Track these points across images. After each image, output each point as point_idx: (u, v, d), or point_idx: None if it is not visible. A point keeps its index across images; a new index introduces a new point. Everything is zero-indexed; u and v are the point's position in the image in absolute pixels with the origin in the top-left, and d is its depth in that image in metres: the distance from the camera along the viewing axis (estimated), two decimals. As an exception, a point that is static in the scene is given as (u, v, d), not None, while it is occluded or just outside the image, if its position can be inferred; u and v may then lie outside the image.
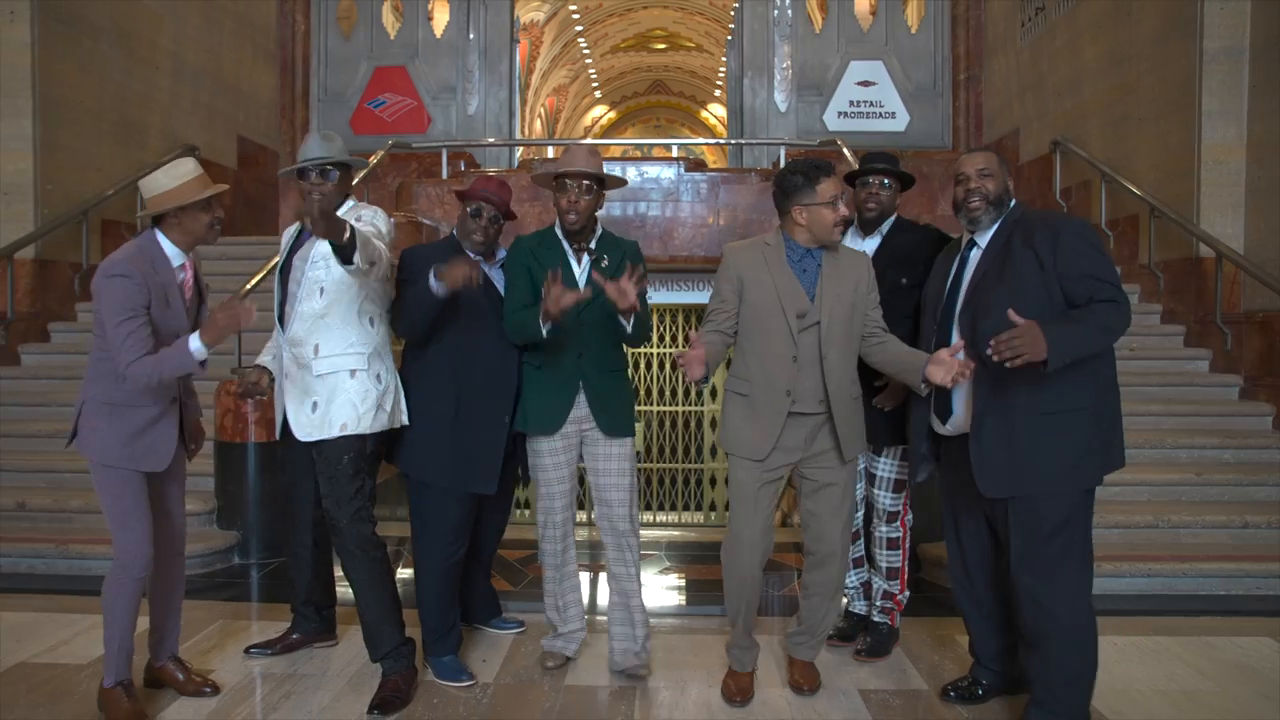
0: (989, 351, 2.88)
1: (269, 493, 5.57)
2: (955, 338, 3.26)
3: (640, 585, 3.86)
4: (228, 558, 5.55)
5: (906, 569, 4.04)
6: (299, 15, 11.75)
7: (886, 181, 3.97)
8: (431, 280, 3.40)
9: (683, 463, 9.32)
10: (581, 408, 3.71)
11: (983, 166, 3.31)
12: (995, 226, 3.29)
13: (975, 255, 3.32)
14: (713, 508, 9.26)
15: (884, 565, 4.02)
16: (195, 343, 3.13)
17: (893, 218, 4.01)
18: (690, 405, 9.24)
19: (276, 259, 3.81)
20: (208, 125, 10.01)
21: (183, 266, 3.37)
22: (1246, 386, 6.61)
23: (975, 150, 3.52)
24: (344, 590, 3.79)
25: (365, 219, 3.51)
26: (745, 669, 3.71)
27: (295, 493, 3.90)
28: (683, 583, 5.39)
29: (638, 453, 3.84)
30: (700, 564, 5.71)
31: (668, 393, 9.41)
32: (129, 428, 3.28)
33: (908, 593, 4.07)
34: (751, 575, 3.53)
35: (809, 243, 3.46)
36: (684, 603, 5.05)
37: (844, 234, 3.75)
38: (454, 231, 3.86)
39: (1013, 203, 3.34)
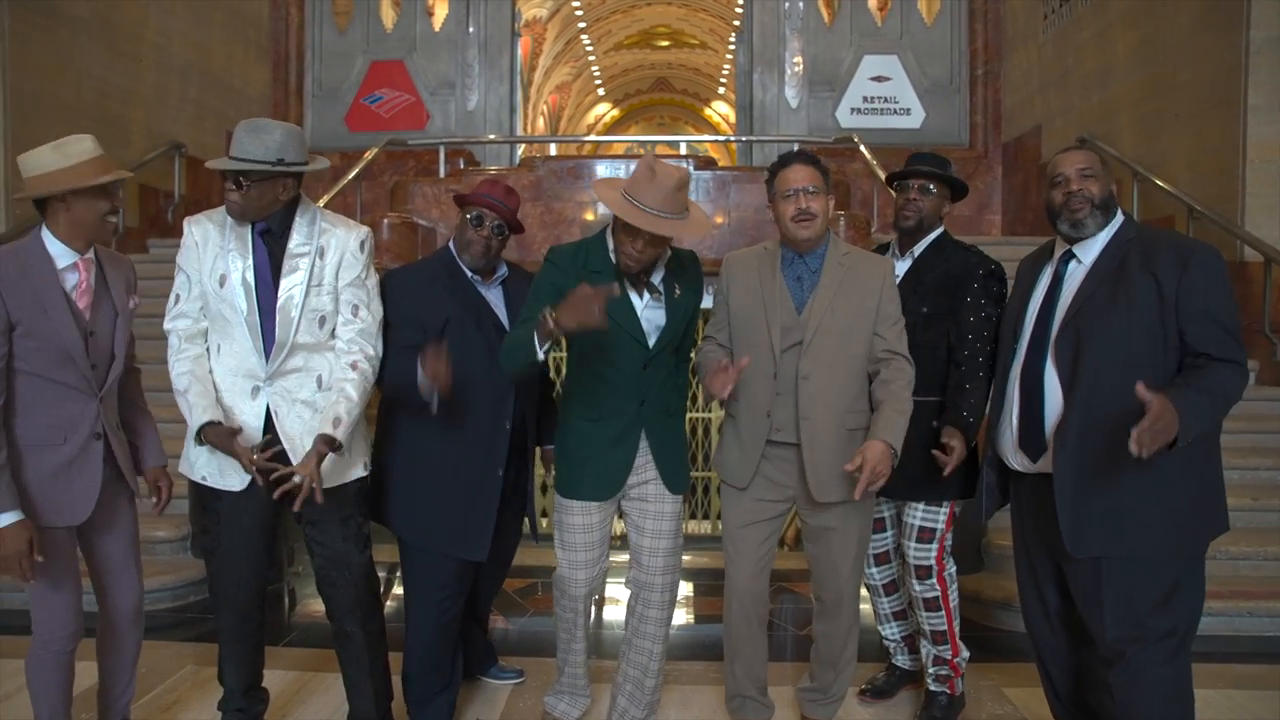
0: (1132, 447, 2.32)
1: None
2: (1050, 365, 2.78)
3: (659, 678, 3.33)
4: (202, 589, 4.96)
5: (956, 627, 3.46)
6: (292, 8, 11.35)
7: (931, 187, 3.40)
8: (420, 378, 2.92)
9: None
10: (641, 459, 3.15)
11: (1084, 166, 2.80)
12: (1105, 241, 2.79)
13: (1077, 271, 2.82)
14: (719, 516, 8.87)
15: (927, 629, 3.46)
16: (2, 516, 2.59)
17: (932, 236, 3.44)
18: (697, 412, 8.82)
19: (221, 267, 2.92)
20: (196, 122, 9.59)
21: (74, 267, 2.75)
22: (1299, 400, 6.12)
23: (1072, 148, 2.97)
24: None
25: (333, 253, 2.96)
26: None
27: (238, 552, 3.04)
28: (700, 620, 4.96)
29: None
30: (719, 596, 5.24)
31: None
32: (32, 475, 2.70)
33: (966, 654, 3.51)
34: (744, 624, 3.20)
35: (795, 246, 3.07)
36: (700, 643, 4.54)
37: (810, 232, 3.03)
38: (450, 243, 3.31)
39: (1121, 215, 2.83)
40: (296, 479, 2.75)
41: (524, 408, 3.34)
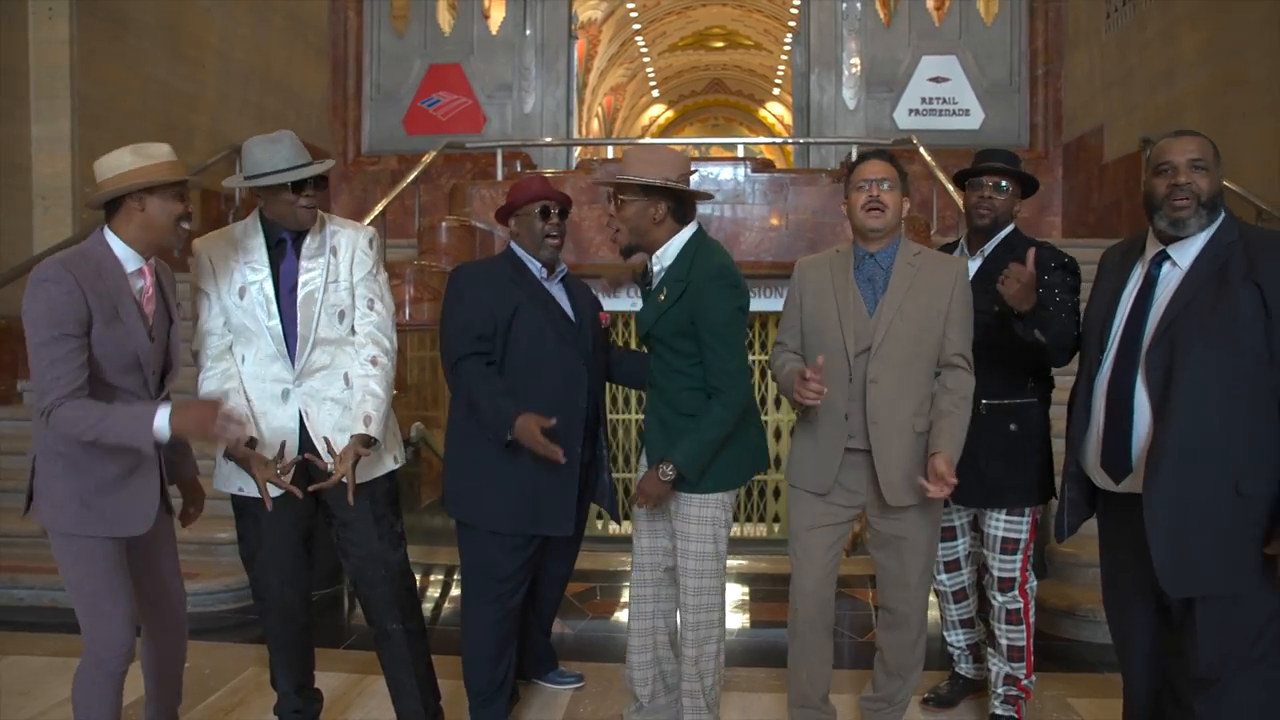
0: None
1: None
2: (1140, 381, 2.56)
3: (713, 692, 3.21)
4: (264, 589, 5.11)
5: (1032, 646, 3.36)
6: (351, 12, 11.47)
7: (1004, 184, 3.32)
8: (507, 430, 3.07)
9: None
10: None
11: (1196, 156, 2.52)
12: (1203, 242, 2.53)
13: (1172, 275, 2.56)
14: (776, 519, 8.86)
15: (1003, 643, 3.36)
16: (162, 420, 2.49)
17: (1003, 233, 3.36)
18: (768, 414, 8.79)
19: (239, 281, 3.00)
20: (257, 125, 9.66)
21: (140, 273, 2.70)
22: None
23: (1183, 133, 2.62)
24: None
25: (345, 250, 3.08)
26: None
27: (279, 554, 3.10)
28: (757, 625, 4.91)
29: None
30: (778, 601, 5.15)
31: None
32: (91, 483, 2.61)
33: (1034, 678, 3.41)
34: (810, 629, 3.13)
35: (865, 243, 3.04)
36: (758, 649, 4.49)
37: (878, 222, 3.00)
38: (511, 246, 3.41)
39: (1222, 213, 2.55)
40: (332, 478, 2.89)
41: (598, 392, 3.42)
